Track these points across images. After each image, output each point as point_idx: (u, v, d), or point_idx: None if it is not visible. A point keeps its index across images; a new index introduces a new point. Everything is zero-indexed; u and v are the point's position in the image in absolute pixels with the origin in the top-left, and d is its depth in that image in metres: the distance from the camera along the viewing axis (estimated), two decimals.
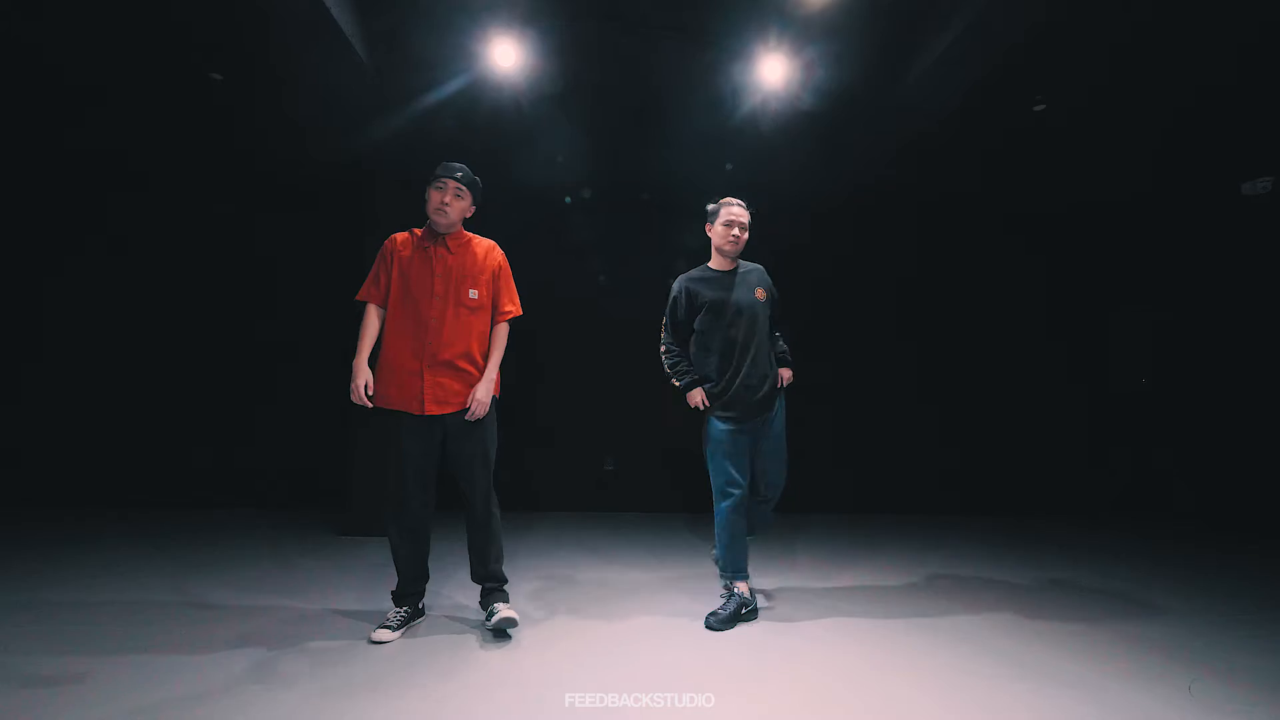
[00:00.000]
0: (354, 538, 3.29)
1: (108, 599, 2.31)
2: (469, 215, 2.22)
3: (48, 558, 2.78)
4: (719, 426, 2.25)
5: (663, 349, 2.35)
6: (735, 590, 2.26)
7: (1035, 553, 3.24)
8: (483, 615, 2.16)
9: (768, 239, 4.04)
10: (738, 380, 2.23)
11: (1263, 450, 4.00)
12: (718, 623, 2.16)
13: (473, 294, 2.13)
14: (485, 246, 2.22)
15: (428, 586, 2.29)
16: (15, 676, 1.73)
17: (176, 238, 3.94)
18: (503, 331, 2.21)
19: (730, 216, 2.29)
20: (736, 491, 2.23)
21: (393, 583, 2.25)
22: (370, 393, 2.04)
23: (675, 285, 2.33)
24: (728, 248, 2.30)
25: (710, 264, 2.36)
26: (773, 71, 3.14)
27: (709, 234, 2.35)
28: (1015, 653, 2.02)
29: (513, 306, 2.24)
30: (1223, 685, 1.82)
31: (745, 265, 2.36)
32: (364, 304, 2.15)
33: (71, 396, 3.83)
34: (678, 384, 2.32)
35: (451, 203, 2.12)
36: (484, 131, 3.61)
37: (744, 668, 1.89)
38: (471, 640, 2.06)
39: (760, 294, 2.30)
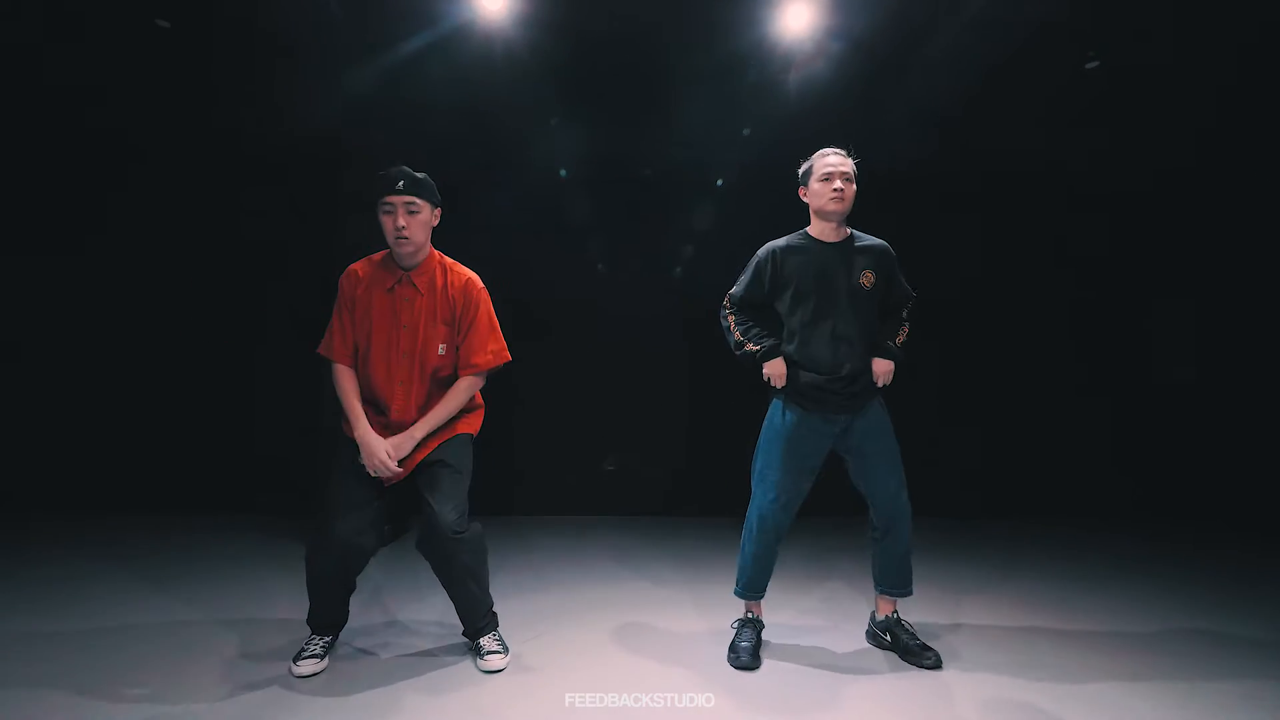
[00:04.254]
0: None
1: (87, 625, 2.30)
2: (436, 224, 1.93)
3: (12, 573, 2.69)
4: (785, 414, 1.98)
5: (730, 317, 2.06)
6: (749, 616, 2.08)
7: (1057, 557, 3.23)
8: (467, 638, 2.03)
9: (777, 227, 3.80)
10: (822, 376, 1.94)
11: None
12: (748, 659, 1.94)
13: (441, 350, 1.90)
14: (461, 284, 1.93)
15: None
16: None
17: (146, 234, 3.76)
18: (465, 386, 1.91)
19: (828, 167, 1.93)
20: (773, 501, 1.96)
21: (386, 603, 2.27)
22: (386, 460, 1.79)
23: (761, 252, 2.03)
24: (831, 207, 1.93)
25: (810, 229, 2.02)
26: (796, 18, 2.88)
27: (804, 199, 2.02)
28: (1026, 662, 2.06)
29: (482, 357, 1.92)
30: None
31: (861, 238, 2.02)
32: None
33: (44, 397, 3.70)
34: (754, 349, 1.99)
35: (409, 223, 1.82)
36: (467, 92, 3.40)
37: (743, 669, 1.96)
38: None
39: (868, 278, 1.97)
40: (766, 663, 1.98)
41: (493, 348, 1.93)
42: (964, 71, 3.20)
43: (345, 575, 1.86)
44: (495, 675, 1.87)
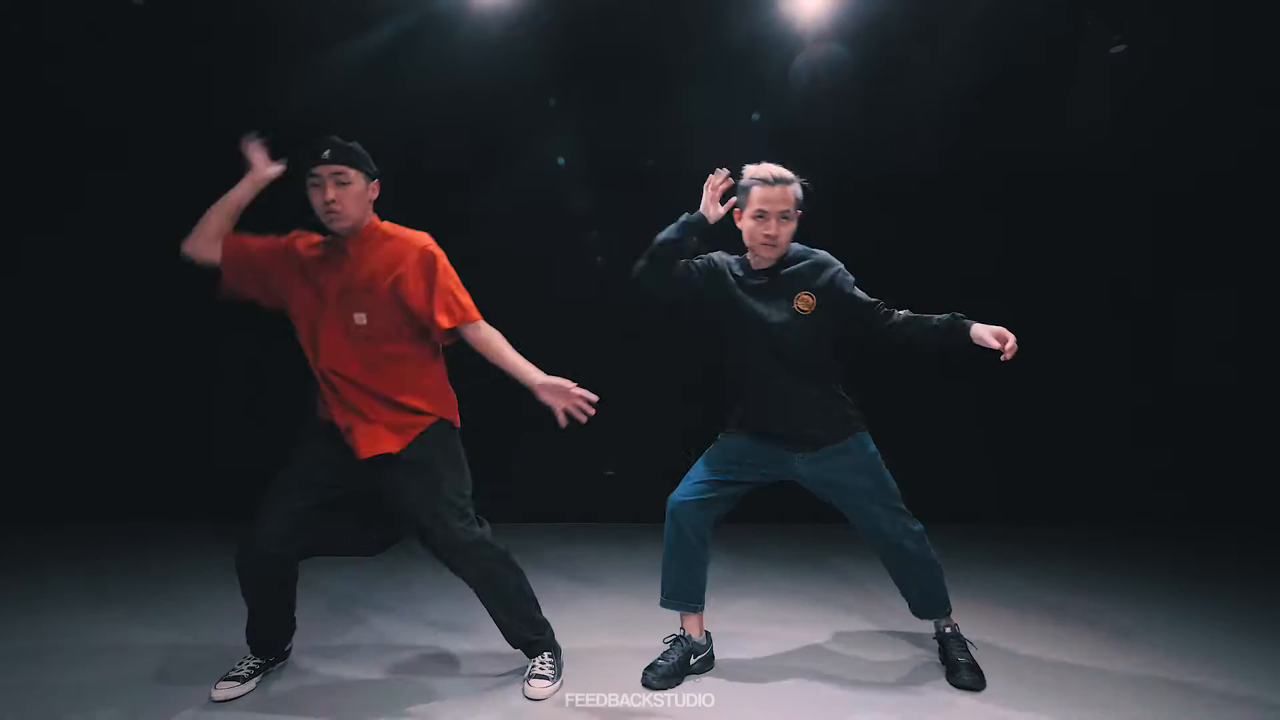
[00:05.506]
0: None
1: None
2: (374, 196, 1.74)
3: None
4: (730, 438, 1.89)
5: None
6: (681, 633, 1.91)
7: (1075, 566, 3.12)
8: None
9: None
10: (751, 418, 1.84)
11: None
12: (656, 679, 1.81)
13: (358, 319, 1.68)
14: (395, 249, 1.71)
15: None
16: None
17: (126, 224, 3.55)
18: (483, 329, 1.74)
19: (761, 203, 1.72)
20: (690, 497, 1.82)
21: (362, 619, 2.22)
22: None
23: (713, 256, 1.84)
24: (763, 253, 1.77)
25: (749, 256, 1.85)
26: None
27: (737, 223, 1.80)
28: (1033, 673, 2.04)
29: (447, 316, 1.68)
30: None
31: (796, 255, 1.81)
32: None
33: (13, 400, 3.54)
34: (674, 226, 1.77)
35: (339, 197, 1.64)
36: (456, 70, 3.25)
37: (744, 668, 1.98)
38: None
39: (804, 301, 1.75)
40: (769, 663, 1.98)
41: (454, 307, 1.71)
42: (979, 65, 3.07)
43: (269, 587, 1.75)
44: (494, 674, 1.87)
